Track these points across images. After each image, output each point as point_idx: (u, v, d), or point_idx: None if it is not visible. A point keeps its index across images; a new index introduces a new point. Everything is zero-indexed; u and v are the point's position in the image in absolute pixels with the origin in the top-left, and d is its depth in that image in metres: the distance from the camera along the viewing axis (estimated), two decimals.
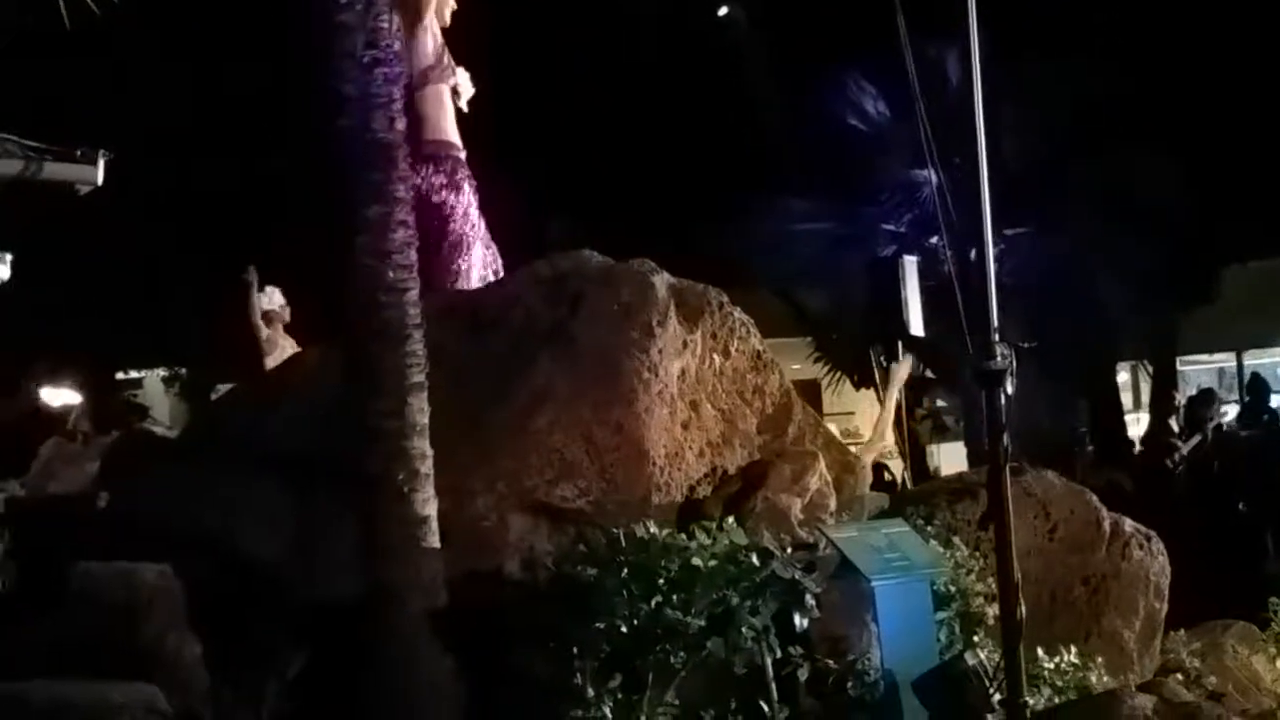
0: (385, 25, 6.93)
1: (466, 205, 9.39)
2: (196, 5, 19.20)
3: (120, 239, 20.99)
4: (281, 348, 12.82)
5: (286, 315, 13.18)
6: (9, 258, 12.57)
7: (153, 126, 20.16)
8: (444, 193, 9.28)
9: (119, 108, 18.97)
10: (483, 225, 9.51)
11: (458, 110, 9.68)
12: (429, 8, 9.42)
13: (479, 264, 9.40)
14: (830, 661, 6.96)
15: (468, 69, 9.76)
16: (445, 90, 9.54)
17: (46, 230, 15.26)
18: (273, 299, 13.11)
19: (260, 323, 13.02)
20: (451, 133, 9.54)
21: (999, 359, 6.44)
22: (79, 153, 11.71)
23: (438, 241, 9.04)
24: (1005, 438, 6.47)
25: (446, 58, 9.61)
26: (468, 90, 9.73)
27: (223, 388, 13.40)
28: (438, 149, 9.37)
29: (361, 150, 6.86)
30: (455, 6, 9.66)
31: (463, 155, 9.56)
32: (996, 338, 6.47)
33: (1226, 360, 27.98)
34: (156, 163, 19.53)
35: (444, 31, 9.64)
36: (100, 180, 11.72)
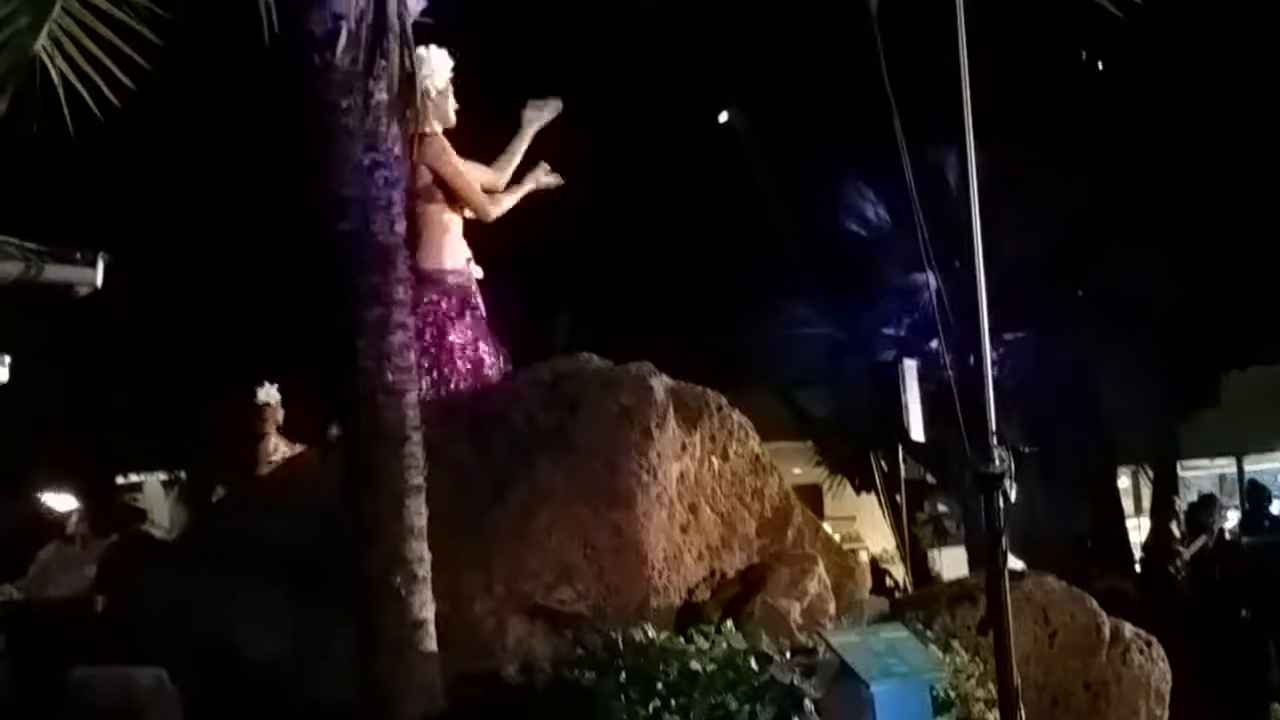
0: (384, 130, 6.97)
1: (455, 341, 9.11)
2: (199, 110, 19.30)
3: (121, 341, 21.00)
4: (275, 446, 12.82)
5: (280, 414, 13.17)
6: (8, 360, 12.57)
7: (152, 229, 20.22)
8: (431, 324, 8.95)
9: (119, 212, 19.01)
10: (481, 346, 9.22)
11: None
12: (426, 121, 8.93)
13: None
14: None
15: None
16: (445, 211, 9.19)
17: (46, 332, 15.28)
18: (268, 394, 13.11)
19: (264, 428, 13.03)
20: (449, 257, 9.21)
21: (998, 463, 6.42)
22: (78, 255, 11.73)
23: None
24: (1004, 542, 6.45)
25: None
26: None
27: (222, 490, 13.38)
28: (434, 276, 9.05)
29: (361, 252, 6.89)
30: (457, 106, 9.30)
31: (466, 278, 9.27)
32: (995, 441, 6.46)
33: (1227, 466, 27.92)
34: (156, 266, 19.57)
35: (450, 134, 9.29)
36: (99, 282, 11.74)
